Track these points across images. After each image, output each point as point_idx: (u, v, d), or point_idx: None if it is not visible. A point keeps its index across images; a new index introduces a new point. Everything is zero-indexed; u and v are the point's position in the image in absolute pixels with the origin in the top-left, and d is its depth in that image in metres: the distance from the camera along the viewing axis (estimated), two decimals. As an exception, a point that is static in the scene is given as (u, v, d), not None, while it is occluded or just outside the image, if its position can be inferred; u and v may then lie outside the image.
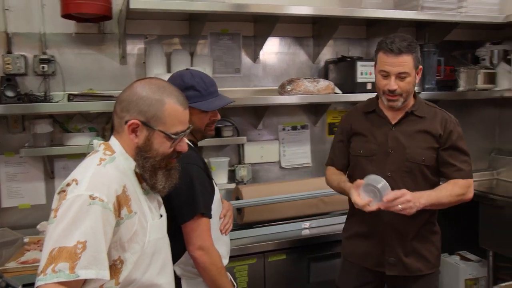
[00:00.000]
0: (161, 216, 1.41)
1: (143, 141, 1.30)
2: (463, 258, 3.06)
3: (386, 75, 1.83)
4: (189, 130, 1.37)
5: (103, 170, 1.24)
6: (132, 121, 1.28)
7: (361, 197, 1.76)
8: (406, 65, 1.81)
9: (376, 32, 3.01)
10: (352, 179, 1.97)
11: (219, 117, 1.79)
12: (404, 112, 1.91)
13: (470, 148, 3.58)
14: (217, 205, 1.76)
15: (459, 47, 3.32)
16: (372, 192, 1.73)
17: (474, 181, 2.12)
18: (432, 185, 1.92)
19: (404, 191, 1.73)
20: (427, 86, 2.89)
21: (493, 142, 3.52)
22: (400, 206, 1.70)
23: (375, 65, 1.91)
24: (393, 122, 1.93)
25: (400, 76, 1.82)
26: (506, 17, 2.89)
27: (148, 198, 1.36)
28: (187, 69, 1.85)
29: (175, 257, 1.59)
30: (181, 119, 1.33)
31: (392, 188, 1.79)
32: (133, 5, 2.12)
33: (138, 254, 1.27)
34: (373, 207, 1.72)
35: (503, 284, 1.67)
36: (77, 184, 1.17)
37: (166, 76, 2.32)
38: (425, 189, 1.87)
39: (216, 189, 1.77)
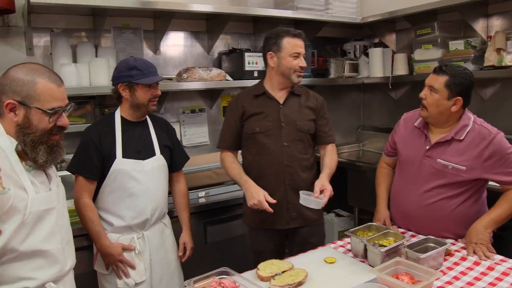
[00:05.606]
0: (50, 189, 1.48)
1: (22, 118, 1.39)
2: (337, 215, 3.60)
3: (297, 56, 2.16)
4: (69, 107, 1.47)
5: None
6: (8, 101, 1.37)
7: (302, 200, 2.00)
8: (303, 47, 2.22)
9: (261, 28, 3.35)
10: (249, 154, 2.25)
11: (159, 92, 2.10)
12: (287, 92, 2.25)
13: (341, 125, 4.31)
14: (124, 178, 2.05)
15: (331, 42, 3.77)
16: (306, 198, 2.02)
17: (344, 152, 2.66)
18: (312, 148, 2.31)
19: (321, 186, 2.01)
20: (304, 73, 3.37)
21: (359, 120, 4.03)
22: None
23: (275, 52, 2.16)
24: (281, 101, 2.23)
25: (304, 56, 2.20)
26: (362, 18, 3.38)
27: (33, 174, 1.43)
28: (131, 56, 2.16)
29: None
30: (55, 96, 1.41)
31: (287, 154, 2.16)
32: (33, -2, 2.15)
33: (17, 224, 1.34)
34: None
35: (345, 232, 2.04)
36: None
37: (72, 66, 2.54)
38: (310, 153, 2.27)
39: (122, 169, 2.04)
